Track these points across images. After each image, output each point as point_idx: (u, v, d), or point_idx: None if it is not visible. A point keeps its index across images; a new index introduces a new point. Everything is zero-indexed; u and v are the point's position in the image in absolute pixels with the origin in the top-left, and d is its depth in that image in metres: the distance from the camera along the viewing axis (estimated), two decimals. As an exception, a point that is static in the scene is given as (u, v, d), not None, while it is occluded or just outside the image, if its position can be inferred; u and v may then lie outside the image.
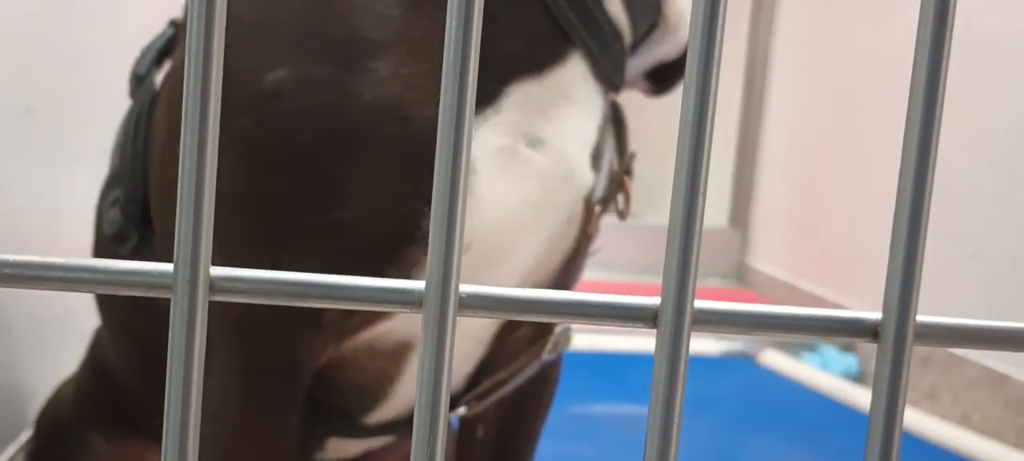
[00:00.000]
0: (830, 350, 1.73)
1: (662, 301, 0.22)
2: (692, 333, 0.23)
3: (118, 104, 0.74)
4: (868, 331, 0.22)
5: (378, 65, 0.53)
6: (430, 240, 0.22)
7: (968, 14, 1.48)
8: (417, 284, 0.23)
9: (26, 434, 0.98)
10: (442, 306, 0.22)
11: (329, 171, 0.53)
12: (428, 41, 0.54)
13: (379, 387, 0.67)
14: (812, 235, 2.13)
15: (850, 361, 1.70)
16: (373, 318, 0.60)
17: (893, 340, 0.21)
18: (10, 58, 0.93)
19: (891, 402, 0.22)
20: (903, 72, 0.22)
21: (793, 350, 1.71)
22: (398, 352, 0.65)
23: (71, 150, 1.03)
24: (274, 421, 0.59)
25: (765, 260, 2.33)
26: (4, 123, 0.92)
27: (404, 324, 0.61)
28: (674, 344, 0.22)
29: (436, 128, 0.21)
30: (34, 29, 0.97)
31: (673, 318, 0.22)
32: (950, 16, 0.21)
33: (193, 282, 0.22)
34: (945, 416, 1.52)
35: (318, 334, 0.58)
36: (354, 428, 0.70)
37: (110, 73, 1.09)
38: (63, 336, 0.98)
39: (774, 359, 1.64)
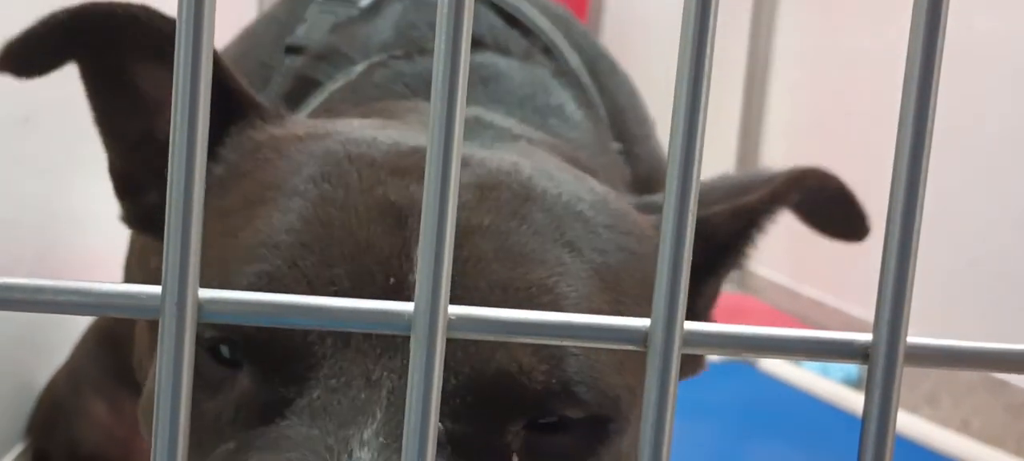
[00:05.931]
0: (830, 355, 1.72)
1: (652, 322, 0.22)
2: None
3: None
4: (858, 353, 0.22)
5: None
6: (419, 262, 0.22)
7: (967, 17, 1.48)
8: (406, 306, 0.23)
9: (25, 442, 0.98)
10: (431, 328, 0.22)
11: None
12: None
13: None
14: (813, 240, 2.12)
15: (850, 367, 1.70)
16: None
17: (883, 362, 0.21)
18: (8, 67, 0.92)
19: (882, 423, 0.22)
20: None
21: (793, 355, 1.71)
22: None
23: (68, 160, 1.03)
24: None
25: (766, 265, 2.32)
26: (1, 133, 0.92)
27: None
28: (664, 365, 0.22)
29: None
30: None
31: (663, 340, 0.22)
32: (942, 21, 0.21)
33: (181, 304, 0.22)
34: (945, 422, 1.52)
35: None
36: None
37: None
38: (64, 342, 0.98)
39: (774, 365, 1.64)
